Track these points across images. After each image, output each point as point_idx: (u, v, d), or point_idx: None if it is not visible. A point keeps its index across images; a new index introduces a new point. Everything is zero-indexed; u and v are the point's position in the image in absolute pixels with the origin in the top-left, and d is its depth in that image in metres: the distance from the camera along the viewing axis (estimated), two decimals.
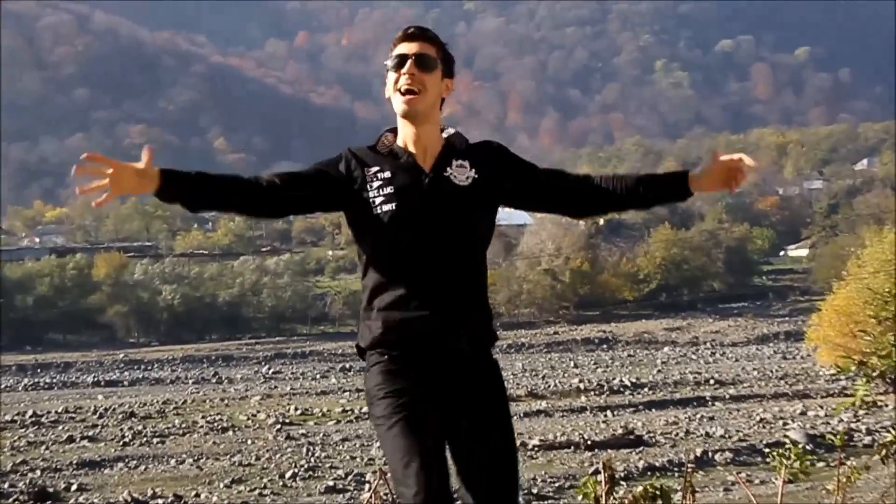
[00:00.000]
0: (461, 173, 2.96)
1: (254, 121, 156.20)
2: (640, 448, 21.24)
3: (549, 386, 30.18)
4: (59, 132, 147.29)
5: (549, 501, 15.15)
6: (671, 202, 3.11)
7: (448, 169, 2.96)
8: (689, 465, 5.60)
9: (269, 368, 41.84)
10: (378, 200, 2.91)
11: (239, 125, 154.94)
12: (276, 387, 33.45)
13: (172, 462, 22.46)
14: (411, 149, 2.96)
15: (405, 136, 2.97)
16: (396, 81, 2.91)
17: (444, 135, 3.04)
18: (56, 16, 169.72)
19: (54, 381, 41.16)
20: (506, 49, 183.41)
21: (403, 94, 2.90)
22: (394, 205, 2.89)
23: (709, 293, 60.20)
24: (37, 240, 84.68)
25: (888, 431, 5.24)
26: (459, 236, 2.95)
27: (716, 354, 42.54)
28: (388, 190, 2.90)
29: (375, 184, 2.92)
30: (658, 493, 4.73)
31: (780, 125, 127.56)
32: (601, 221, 54.95)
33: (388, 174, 2.92)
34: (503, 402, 3.05)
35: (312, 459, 19.58)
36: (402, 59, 2.91)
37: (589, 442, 22.07)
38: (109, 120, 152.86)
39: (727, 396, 27.07)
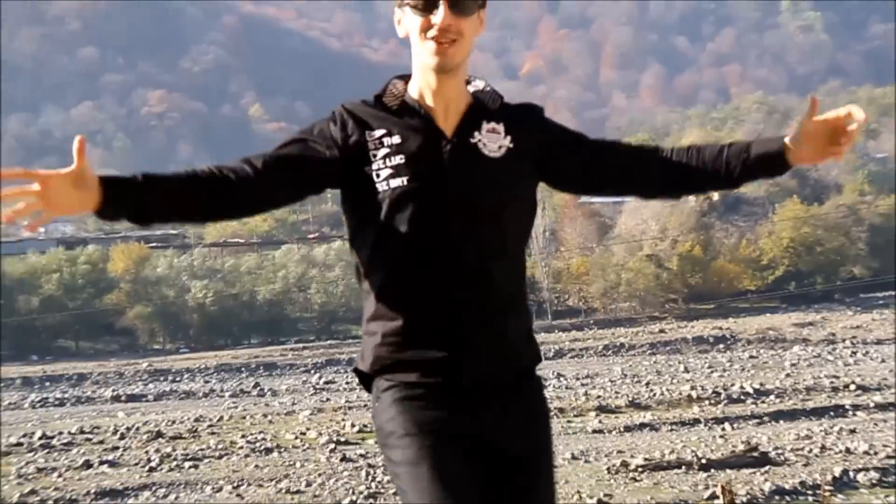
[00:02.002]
0: (492, 140, 2.79)
1: (295, 83, 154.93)
2: (767, 467, 22.04)
3: (655, 394, 30.90)
4: (64, 100, 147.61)
5: None
6: (764, 178, 2.91)
7: (476, 134, 2.79)
8: (827, 486, 5.56)
9: (320, 378, 42.95)
10: (383, 174, 2.71)
11: (277, 88, 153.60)
12: (328, 399, 34.58)
13: (208, 489, 23.65)
14: (430, 103, 2.78)
15: (422, 87, 2.78)
16: (424, 27, 2.71)
17: (471, 88, 2.86)
18: None
19: (66, 396, 43.54)
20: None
21: (436, 42, 2.70)
22: (404, 179, 2.70)
23: (848, 281, 61.04)
24: (41, 230, 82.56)
25: None
26: (490, 223, 2.75)
27: (857, 354, 43.67)
28: (398, 160, 2.71)
29: (381, 152, 2.73)
30: None
31: None
32: (715, 196, 56.65)
33: (397, 139, 2.74)
34: (547, 440, 2.93)
35: (373, 485, 20.24)
36: (430, 5, 2.70)
37: (704, 461, 22.92)
38: (122, 85, 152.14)
39: (871, 405, 27.72)
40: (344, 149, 2.73)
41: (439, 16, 2.66)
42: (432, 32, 2.68)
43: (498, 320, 2.79)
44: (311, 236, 74.28)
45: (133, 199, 2.56)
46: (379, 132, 2.74)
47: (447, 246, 2.71)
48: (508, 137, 2.80)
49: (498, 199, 2.75)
